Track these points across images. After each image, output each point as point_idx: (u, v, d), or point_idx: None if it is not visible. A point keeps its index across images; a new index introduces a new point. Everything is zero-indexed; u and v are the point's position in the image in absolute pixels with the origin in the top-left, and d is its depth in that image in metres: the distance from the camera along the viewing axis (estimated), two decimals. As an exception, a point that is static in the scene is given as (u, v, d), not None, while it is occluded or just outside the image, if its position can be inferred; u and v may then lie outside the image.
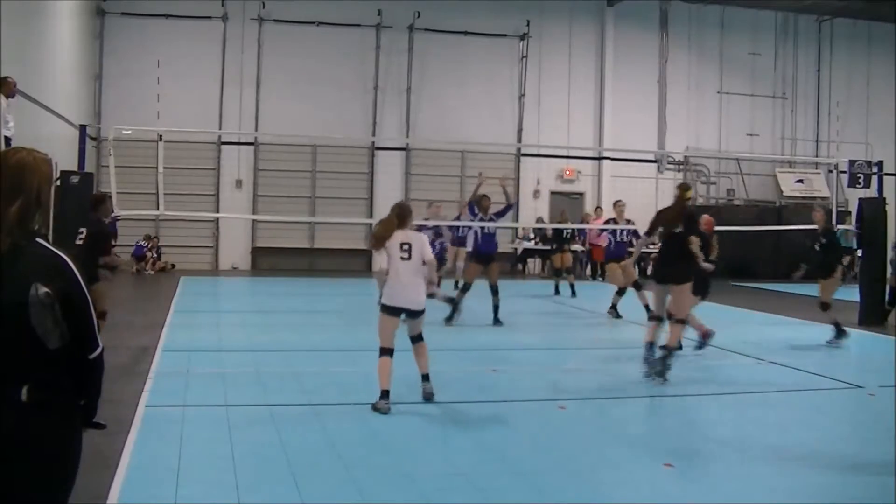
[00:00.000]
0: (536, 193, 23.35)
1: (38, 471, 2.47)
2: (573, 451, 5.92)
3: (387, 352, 6.82)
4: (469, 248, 12.69)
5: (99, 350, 2.62)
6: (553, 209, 22.39)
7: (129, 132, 16.05)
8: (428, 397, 6.97)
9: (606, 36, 23.67)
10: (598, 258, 20.92)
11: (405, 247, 6.91)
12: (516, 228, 22.77)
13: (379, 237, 6.95)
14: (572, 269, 17.57)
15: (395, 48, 22.36)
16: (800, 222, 19.18)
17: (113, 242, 19.93)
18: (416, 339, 7.02)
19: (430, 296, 7.19)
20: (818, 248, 11.03)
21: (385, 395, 6.67)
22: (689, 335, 9.57)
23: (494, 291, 11.73)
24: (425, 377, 7.02)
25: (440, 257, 12.68)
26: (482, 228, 12.03)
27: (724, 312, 13.98)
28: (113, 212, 8.66)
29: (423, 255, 6.94)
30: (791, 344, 10.97)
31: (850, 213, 18.89)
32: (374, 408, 6.62)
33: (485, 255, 11.94)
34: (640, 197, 20.07)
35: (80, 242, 8.33)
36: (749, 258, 20.49)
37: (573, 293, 16.15)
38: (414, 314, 6.93)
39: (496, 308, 11.76)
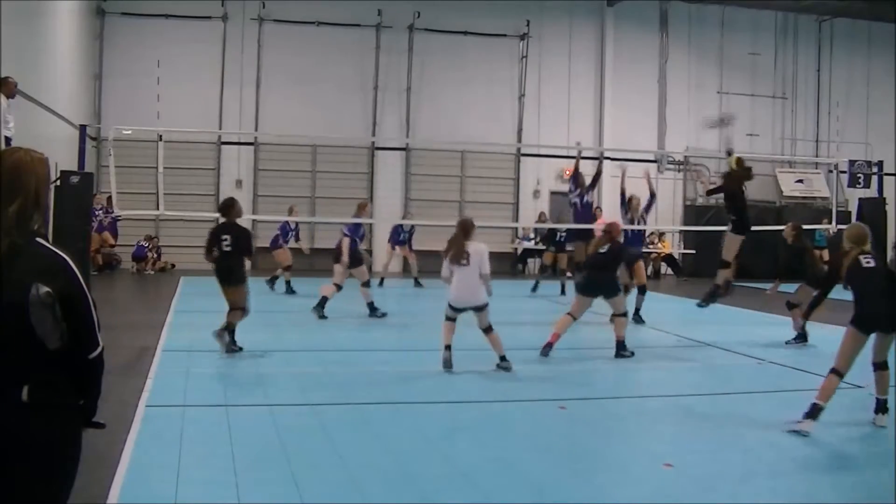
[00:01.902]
0: (536, 193, 23.35)
1: (39, 471, 2.47)
2: (573, 451, 5.92)
3: (450, 319, 8.40)
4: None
5: (99, 350, 2.62)
6: (553, 209, 22.39)
7: (129, 132, 16.03)
8: (506, 370, 8.37)
9: (606, 36, 23.66)
10: None
11: (465, 255, 8.26)
12: (516, 228, 22.77)
13: (455, 255, 8.25)
14: (568, 268, 17.72)
15: (395, 48, 22.35)
16: (800, 222, 19.18)
17: (128, 241, 19.86)
18: (487, 330, 8.40)
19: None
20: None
21: (447, 347, 8.35)
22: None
23: (640, 291, 12.70)
24: (502, 358, 8.42)
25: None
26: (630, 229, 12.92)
27: (724, 312, 13.98)
28: (241, 215, 9.70)
29: (481, 267, 8.24)
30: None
31: (850, 213, 18.90)
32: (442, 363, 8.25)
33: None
34: (640, 197, 19.98)
35: (228, 249, 9.19)
36: (749, 258, 20.46)
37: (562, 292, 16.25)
38: (478, 309, 8.32)
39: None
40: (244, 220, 20.83)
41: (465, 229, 8.35)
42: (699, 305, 11.27)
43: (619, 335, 9.57)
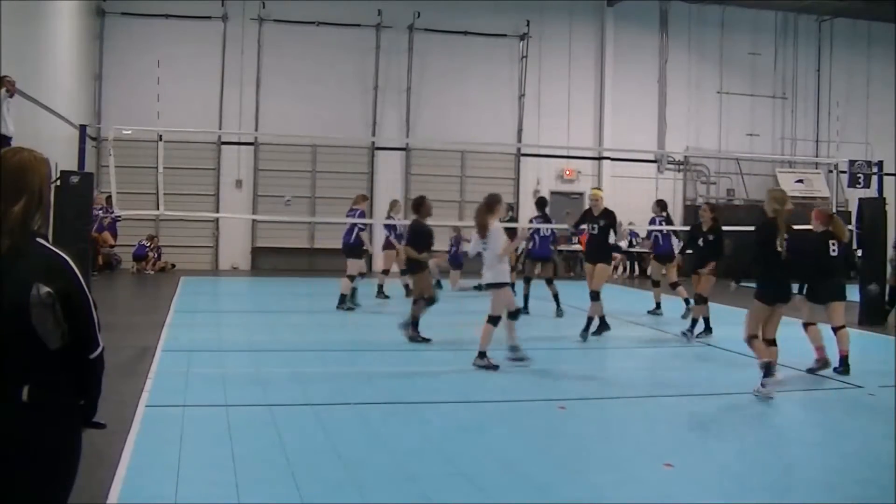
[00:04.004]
0: (536, 193, 23.31)
1: (39, 471, 2.47)
2: (573, 451, 5.91)
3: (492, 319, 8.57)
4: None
5: (99, 350, 2.62)
6: (554, 209, 22.35)
7: (129, 132, 16.05)
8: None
9: (606, 36, 23.67)
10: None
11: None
12: (516, 229, 22.74)
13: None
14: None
15: (395, 48, 22.36)
16: (800, 222, 19.15)
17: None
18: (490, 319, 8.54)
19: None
20: (702, 244, 11.47)
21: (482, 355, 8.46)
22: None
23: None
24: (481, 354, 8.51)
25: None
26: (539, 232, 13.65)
27: (725, 312, 13.98)
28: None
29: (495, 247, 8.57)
30: (791, 344, 10.95)
31: (850, 213, 18.89)
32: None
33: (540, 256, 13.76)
34: (640, 197, 20.05)
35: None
36: (749, 258, 20.47)
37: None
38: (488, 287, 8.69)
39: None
40: (244, 221, 21.17)
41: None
42: None
43: (843, 349, 8.83)
